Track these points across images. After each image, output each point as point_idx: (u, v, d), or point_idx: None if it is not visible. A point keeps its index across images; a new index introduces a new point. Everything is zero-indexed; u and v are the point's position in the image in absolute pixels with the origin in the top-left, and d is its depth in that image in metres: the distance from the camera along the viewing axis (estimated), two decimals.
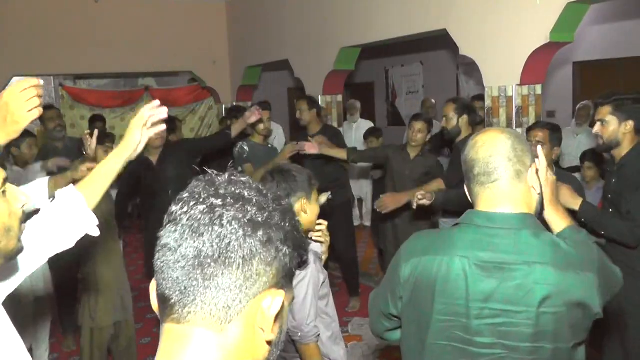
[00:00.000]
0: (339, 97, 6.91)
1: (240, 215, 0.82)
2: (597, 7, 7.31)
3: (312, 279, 2.22)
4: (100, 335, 3.69)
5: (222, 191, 0.84)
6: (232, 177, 0.88)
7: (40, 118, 5.24)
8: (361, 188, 7.69)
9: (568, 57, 7.98)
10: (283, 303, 0.85)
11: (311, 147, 4.58)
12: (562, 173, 3.46)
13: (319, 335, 2.22)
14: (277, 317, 0.85)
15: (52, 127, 5.27)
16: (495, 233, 1.48)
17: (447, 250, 1.51)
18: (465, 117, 4.20)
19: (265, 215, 0.84)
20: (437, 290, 1.50)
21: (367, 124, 7.71)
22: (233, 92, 8.92)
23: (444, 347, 1.51)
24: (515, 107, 4.36)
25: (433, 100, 7.55)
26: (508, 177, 1.51)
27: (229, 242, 0.81)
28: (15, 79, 8.69)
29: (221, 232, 0.81)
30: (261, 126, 5.00)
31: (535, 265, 1.43)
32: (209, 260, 0.81)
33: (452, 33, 4.84)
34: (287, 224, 0.87)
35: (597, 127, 3.04)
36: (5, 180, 1.32)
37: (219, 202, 0.83)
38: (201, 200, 0.84)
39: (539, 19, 4.12)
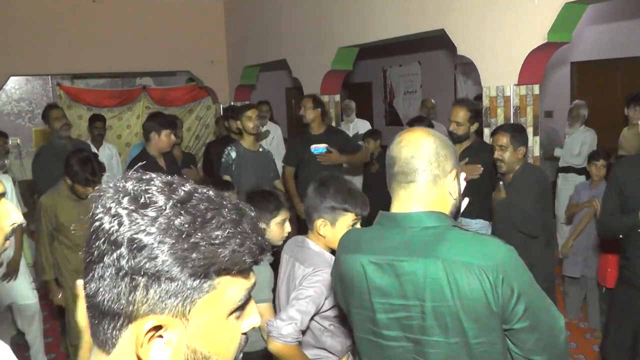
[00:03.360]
0: (337, 97, 6.91)
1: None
2: (595, 7, 7.34)
3: (319, 289, 2.20)
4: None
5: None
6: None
7: (45, 117, 5.35)
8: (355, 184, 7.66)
9: (566, 57, 8.00)
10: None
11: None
12: (531, 168, 3.60)
13: (296, 341, 2.14)
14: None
15: (59, 127, 5.35)
16: (390, 232, 1.53)
17: (355, 249, 1.59)
18: (477, 124, 4.04)
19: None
20: (350, 287, 1.60)
21: (364, 124, 7.70)
22: (231, 91, 8.92)
23: (364, 340, 1.61)
24: (513, 107, 4.35)
25: (433, 101, 7.54)
26: (425, 180, 1.52)
27: None
28: (12, 78, 8.71)
29: None
30: (249, 125, 4.76)
31: (426, 260, 1.45)
32: None
33: (450, 33, 4.84)
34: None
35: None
36: (2, 195, 1.32)
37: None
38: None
39: (536, 19, 4.12)
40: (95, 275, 0.81)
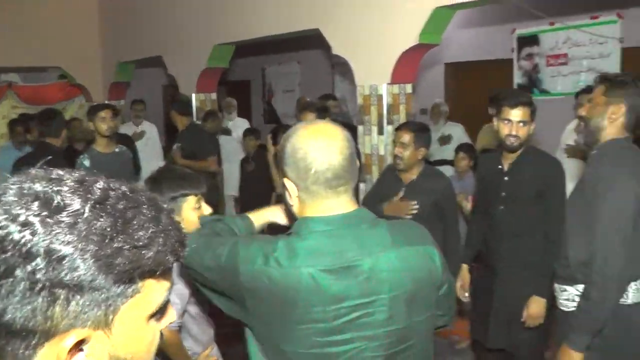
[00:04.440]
0: (213, 95, 6.82)
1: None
2: (464, 12, 7.77)
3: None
4: None
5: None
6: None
7: None
8: None
9: (440, 58, 8.40)
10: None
11: None
12: (431, 169, 3.65)
13: (177, 325, 2.19)
14: None
15: None
16: (338, 234, 1.48)
17: (294, 262, 1.45)
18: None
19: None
20: (291, 303, 1.45)
21: (244, 123, 7.65)
22: (105, 89, 8.52)
23: (306, 355, 1.49)
24: (386, 105, 4.50)
25: (308, 99, 7.65)
26: (352, 181, 1.53)
27: None
28: None
29: None
30: (103, 126, 4.36)
31: (379, 254, 1.47)
32: None
33: (325, 32, 4.91)
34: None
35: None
36: None
37: None
38: None
39: (408, 21, 4.28)
40: (2, 292, 0.72)
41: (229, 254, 1.54)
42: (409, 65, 4.51)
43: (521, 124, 2.99)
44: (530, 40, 7.74)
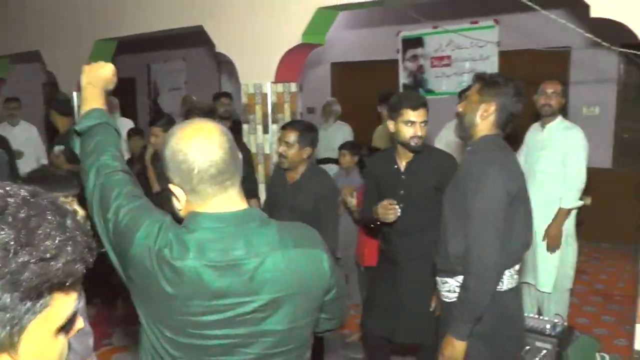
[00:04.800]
0: None
1: None
2: (350, 13, 7.95)
3: None
4: None
5: None
6: None
7: None
8: None
9: (326, 58, 8.60)
10: None
11: None
12: (317, 170, 3.67)
13: None
14: None
15: None
16: (227, 232, 1.49)
17: (179, 254, 1.46)
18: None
19: None
20: (169, 292, 1.46)
21: (128, 122, 7.38)
22: None
23: (184, 345, 1.50)
24: (271, 104, 4.53)
25: (195, 98, 7.55)
26: (237, 175, 1.53)
27: None
28: None
29: None
30: None
31: (266, 254, 1.48)
32: None
33: (208, 30, 4.86)
34: None
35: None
36: None
37: None
38: None
39: (292, 21, 4.31)
40: None
41: (131, 220, 1.53)
42: (293, 64, 4.55)
43: (422, 124, 3.09)
44: (415, 42, 8.06)
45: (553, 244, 4.14)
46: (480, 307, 2.34)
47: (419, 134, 3.08)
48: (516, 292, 2.55)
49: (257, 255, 1.48)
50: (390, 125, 3.18)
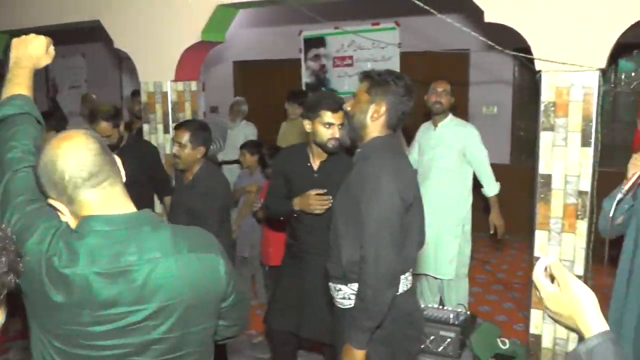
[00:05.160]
0: None
1: None
2: (252, 12, 7.88)
3: None
4: None
5: None
6: None
7: None
8: None
9: (228, 56, 8.52)
10: None
11: None
12: (210, 170, 3.59)
13: None
14: None
15: None
16: (118, 236, 1.43)
17: (68, 262, 1.39)
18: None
19: None
20: (57, 302, 1.39)
21: None
22: None
23: (72, 355, 1.44)
24: (171, 103, 4.42)
25: (94, 96, 7.27)
26: (113, 175, 1.47)
27: None
28: None
29: None
30: None
31: (158, 260, 1.43)
32: None
33: (106, 25, 4.67)
34: None
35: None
36: None
37: None
38: None
39: (191, 18, 4.22)
40: None
41: (24, 226, 1.46)
42: (193, 62, 4.46)
43: (340, 127, 3.08)
44: (317, 42, 8.11)
45: (501, 231, 4.50)
46: (379, 317, 2.28)
47: (337, 135, 3.09)
48: (412, 293, 2.51)
49: (149, 261, 1.43)
50: (307, 124, 3.18)
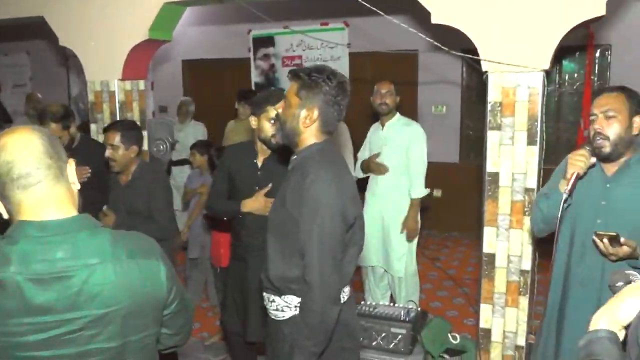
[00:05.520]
0: None
1: None
2: (200, 10, 7.81)
3: None
4: None
5: None
6: None
7: None
8: None
9: (177, 55, 8.45)
10: None
11: None
12: (147, 166, 3.57)
13: None
14: None
15: None
16: (52, 241, 1.38)
17: (2, 268, 1.34)
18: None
19: None
20: None
21: None
22: None
23: None
24: (119, 102, 4.33)
25: (40, 95, 7.06)
26: (51, 177, 1.42)
27: None
28: None
29: None
30: None
31: (95, 266, 1.39)
32: None
33: (50, 21, 4.53)
34: None
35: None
36: None
37: None
38: None
39: (138, 16, 4.14)
40: None
41: None
42: (140, 61, 4.38)
43: None
44: (266, 41, 8.09)
45: (411, 235, 4.40)
46: (326, 341, 2.16)
47: None
48: (349, 304, 2.37)
49: (86, 267, 1.38)
50: (253, 121, 3.19)
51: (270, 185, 3.17)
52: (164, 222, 3.41)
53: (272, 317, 2.35)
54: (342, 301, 2.25)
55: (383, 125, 4.44)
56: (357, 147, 5.16)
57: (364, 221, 2.38)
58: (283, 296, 2.27)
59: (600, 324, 1.26)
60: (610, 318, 1.26)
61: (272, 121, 3.08)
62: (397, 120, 4.41)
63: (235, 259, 3.40)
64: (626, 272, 1.47)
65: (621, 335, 1.26)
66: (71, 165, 1.48)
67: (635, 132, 2.52)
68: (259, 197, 3.18)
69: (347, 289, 2.32)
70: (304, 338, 2.13)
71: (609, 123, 2.49)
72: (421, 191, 4.35)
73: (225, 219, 3.56)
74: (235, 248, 3.42)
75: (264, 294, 2.39)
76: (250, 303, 3.24)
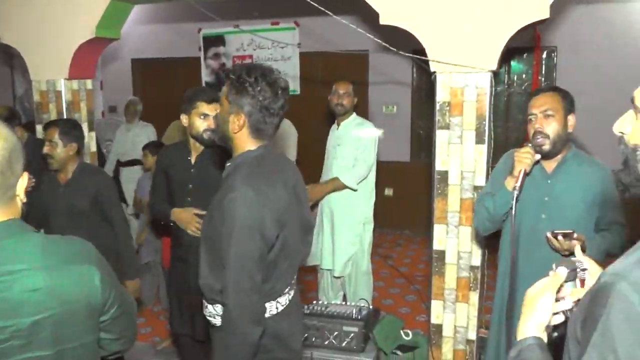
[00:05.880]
0: None
1: None
2: (149, 8, 7.69)
3: None
4: None
5: None
6: None
7: None
8: None
9: (126, 54, 8.31)
10: None
11: None
12: (88, 166, 3.53)
13: None
14: None
15: None
16: None
17: None
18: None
19: None
20: None
21: None
22: None
23: None
24: (65, 102, 4.23)
25: None
26: None
27: None
28: None
29: None
30: None
31: (22, 272, 1.34)
32: None
33: None
34: None
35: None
36: None
37: None
38: None
39: (84, 13, 4.05)
40: None
41: None
42: (87, 59, 4.28)
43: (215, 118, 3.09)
44: (217, 40, 8.04)
45: (310, 198, 4.28)
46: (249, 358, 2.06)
47: (212, 127, 3.08)
48: (285, 315, 2.25)
49: (13, 273, 1.33)
50: (184, 119, 3.20)
51: (204, 213, 3.15)
52: (121, 224, 3.45)
53: (209, 319, 2.29)
54: (276, 311, 2.19)
55: (339, 125, 4.47)
56: (305, 146, 5.18)
57: (312, 225, 2.36)
58: (212, 305, 2.21)
59: (526, 331, 1.29)
60: (532, 323, 1.30)
61: (202, 117, 3.12)
62: (353, 120, 4.43)
63: (176, 260, 3.39)
64: (572, 259, 1.52)
65: (544, 336, 1.30)
66: (23, 178, 1.43)
67: (570, 129, 2.65)
68: (188, 211, 3.20)
69: (283, 299, 2.23)
70: (226, 355, 2.07)
71: (548, 122, 2.60)
72: (350, 181, 4.31)
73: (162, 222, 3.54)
74: (175, 249, 3.41)
75: (202, 298, 2.31)
76: (195, 302, 3.22)
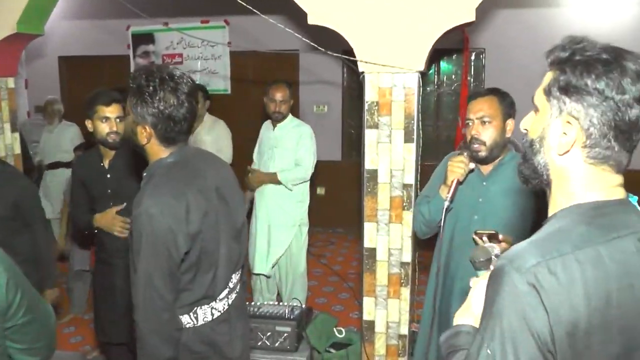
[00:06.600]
0: None
1: None
2: (77, 4, 7.45)
3: None
4: None
5: None
6: None
7: None
8: None
9: (53, 51, 8.08)
10: None
11: None
12: (5, 168, 3.38)
13: None
14: None
15: None
16: None
17: None
18: None
19: None
20: None
21: None
22: None
23: None
24: None
25: None
26: None
27: None
28: None
29: None
30: None
31: None
32: None
33: None
34: None
35: None
36: None
37: None
38: None
39: (4, 7, 3.87)
40: None
41: None
42: (8, 56, 4.10)
43: (118, 120, 3.10)
44: (146, 38, 7.88)
45: (250, 184, 4.47)
46: None
47: (115, 129, 3.10)
48: (224, 319, 2.20)
49: None
50: (89, 124, 3.17)
51: (124, 204, 3.13)
52: (42, 230, 3.34)
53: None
54: (208, 319, 2.14)
55: (274, 126, 4.45)
56: (238, 146, 5.15)
57: (244, 222, 2.32)
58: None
59: (461, 321, 1.36)
60: (468, 314, 1.36)
61: (104, 120, 3.10)
62: (289, 122, 4.43)
63: (101, 263, 3.34)
64: (486, 246, 1.59)
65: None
66: None
67: (508, 134, 2.67)
68: (109, 212, 3.18)
69: (220, 304, 2.18)
70: None
71: (484, 128, 2.62)
72: (287, 181, 4.34)
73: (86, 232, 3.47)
74: (99, 254, 3.36)
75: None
76: (118, 304, 3.19)
